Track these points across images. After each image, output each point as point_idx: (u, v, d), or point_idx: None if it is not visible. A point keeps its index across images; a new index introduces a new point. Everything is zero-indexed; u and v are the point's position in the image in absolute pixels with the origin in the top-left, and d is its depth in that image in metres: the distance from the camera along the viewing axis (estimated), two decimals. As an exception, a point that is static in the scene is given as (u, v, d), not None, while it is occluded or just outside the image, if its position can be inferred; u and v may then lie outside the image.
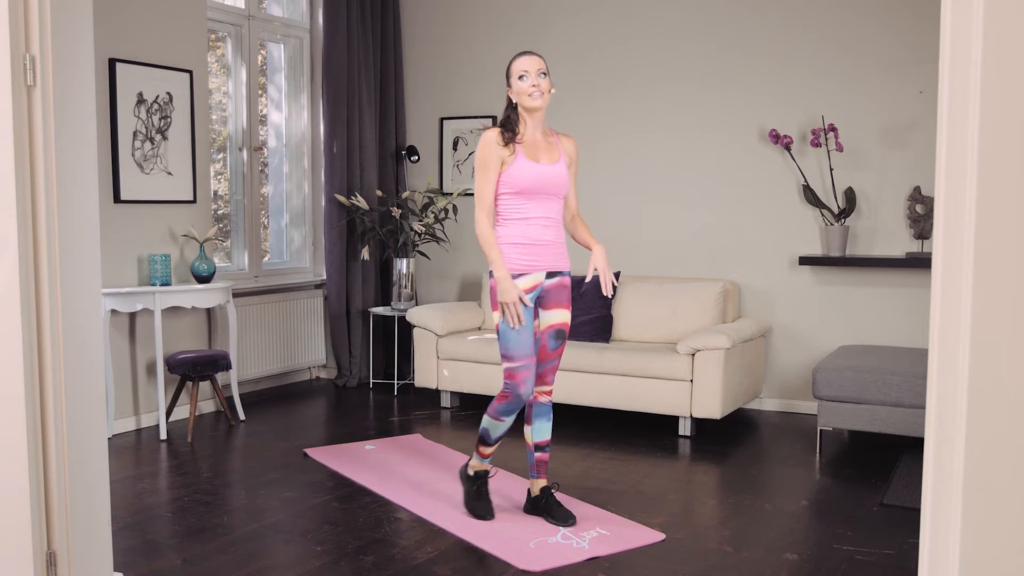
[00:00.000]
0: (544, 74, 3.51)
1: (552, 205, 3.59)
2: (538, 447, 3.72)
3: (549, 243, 3.58)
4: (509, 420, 3.62)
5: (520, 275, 3.54)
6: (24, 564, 2.45)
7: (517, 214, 3.55)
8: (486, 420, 3.66)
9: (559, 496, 3.85)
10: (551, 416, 3.74)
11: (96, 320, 2.62)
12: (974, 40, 1.77)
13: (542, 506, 3.73)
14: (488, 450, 3.72)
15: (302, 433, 5.19)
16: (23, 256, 2.40)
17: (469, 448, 4.78)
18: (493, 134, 3.53)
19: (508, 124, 3.55)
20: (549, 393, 3.70)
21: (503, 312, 3.49)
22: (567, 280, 3.66)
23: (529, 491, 3.82)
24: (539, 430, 3.71)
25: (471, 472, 3.80)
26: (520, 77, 3.50)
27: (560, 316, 3.63)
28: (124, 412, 5.12)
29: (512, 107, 3.57)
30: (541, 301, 3.63)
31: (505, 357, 3.54)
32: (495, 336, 5.60)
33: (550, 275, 3.61)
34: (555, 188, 3.57)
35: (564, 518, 3.66)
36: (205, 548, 3.40)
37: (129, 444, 4.90)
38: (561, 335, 3.65)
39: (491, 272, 3.56)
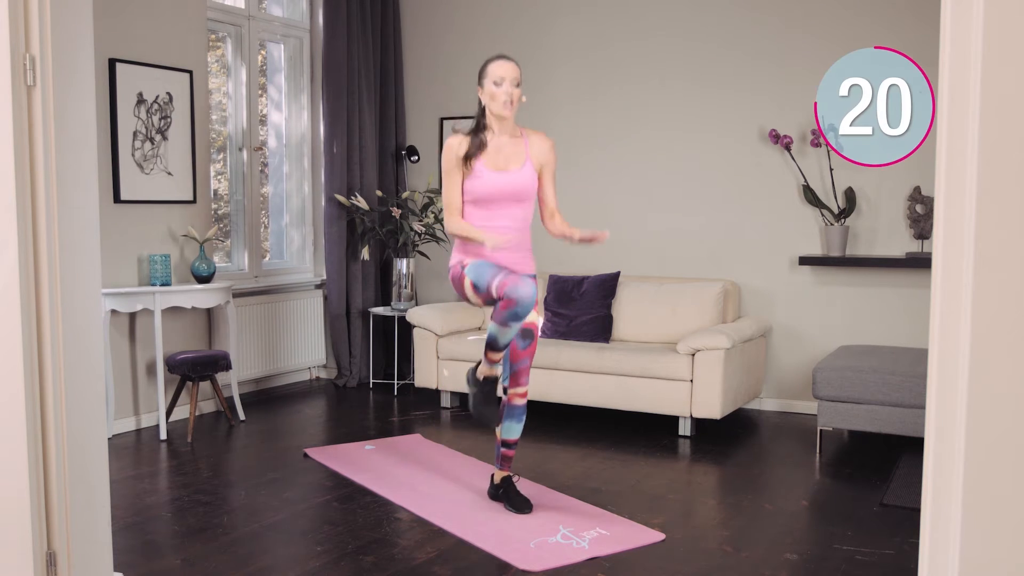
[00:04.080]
0: (518, 84, 3.58)
1: (516, 211, 3.64)
2: (505, 443, 3.87)
3: (510, 249, 3.60)
4: (516, 326, 3.48)
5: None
6: (24, 564, 2.45)
7: (476, 222, 3.63)
8: (493, 327, 3.52)
9: (520, 486, 3.99)
10: (523, 418, 3.84)
11: (96, 320, 2.62)
12: (974, 40, 1.77)
13: (501, 494, 3.91)
14: (497, 355, 3.64)
15: (302, 433, 5.19)
16: (23, 256, 2.40)
17: (469, 448, 4.78)
18: (454, 140, 3.61)
19: (478, 129, 3.62)
20: (524, 395, 3.80)
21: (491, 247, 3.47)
22: (532, 282, 3.61)
23: (492, 478, 3.99)
24: (508, 429, 3.84)
25: (480, 376, 3.71)
26: (496, 83, 3.56)
27: (528, 316, 3.62)
28: (124, 412, 5.12)
29: (482, 110, 3.63)
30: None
31: (488, 286, 3.47)
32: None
33: None
34: (517, 195, 3.62)
35: (520, 506, 3.81)
36: (205, 548, 3.40)
37: (129, 444, 4.90)
38: (529, 334, 3.73)
39: (450, 266, 3.69)
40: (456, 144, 3.60)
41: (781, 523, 3.73)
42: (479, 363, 3.77)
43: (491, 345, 3.63)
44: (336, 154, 6.22)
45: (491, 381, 3.72)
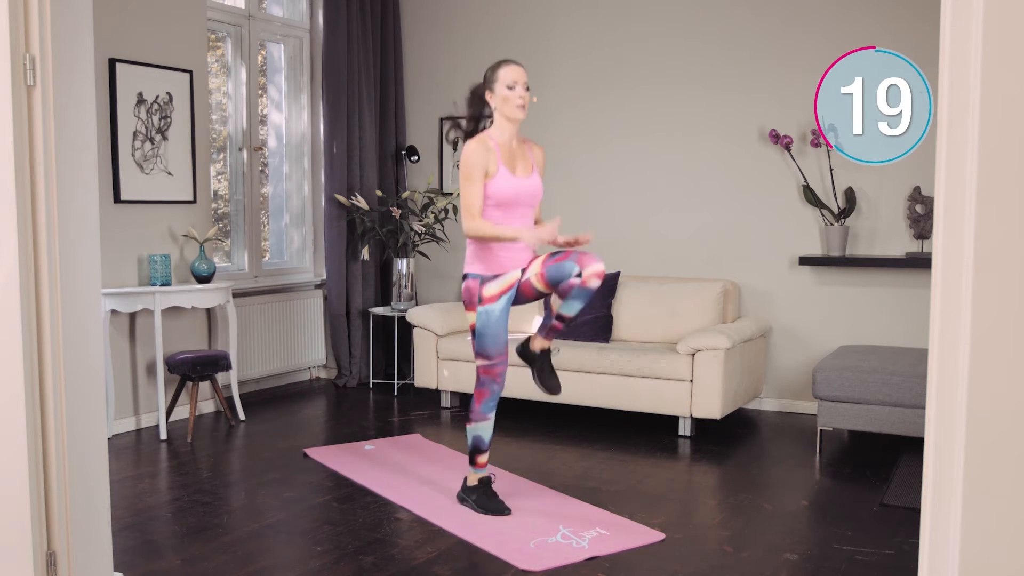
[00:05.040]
0: (527, 87, 3.65)
1: (526, 215, 3.74)
2: (560, 317, 3.62)
3: (522, 247, 3.68)
4: (493, 416, 3.76)
5: (498, 275, 3.65)
6: (24, 564, 2.45)
7: (493, 222, 3.66)
8: (473, 427, 3.76)
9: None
10: (589, 299, 3.52)
11: (96, 320, 2.62)
12: (974, 40, 1.77)
13: (535, 365, 3.81)
14: (484, 458, 3.80)
15: (302, 433, 5.19)
16: (23, 256, 2.40)
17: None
18: (474, 143, 3.63)
19: (479, 120, 3.71)
20: (600, 274, 3.43)
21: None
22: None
23: (529, 341, 3.82)
24: (570, 306, 3.54)
25: (472, 484, 3.83)
26: (510, 87, 3.61)
27: (538, 259, 3.62)
28: (124, 412, 5.12)
29: (481, 105, 3.69)
30: (519, 289, 3.67)
31: (481, 355, 3.68)
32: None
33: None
34: (532, 200, 3.73)
35: (550, 385, 3.79)
36: (205, 548, 3.40)
37: (129, 444, 4.90)
38: (556, 254, 3.55)
39: (465, 275, 3.71)
40: (478, 148, 3.60)
41: (781, 523, 3.73)
42: (466, 478, 3.87)
43: (476, 449, 3.79)
44: (336, 154, 6.22)
45: (485, 481, 3.82)
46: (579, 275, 3.45)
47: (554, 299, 3.66)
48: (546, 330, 3.75)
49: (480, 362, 3.68)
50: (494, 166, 3.61)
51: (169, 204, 5.32)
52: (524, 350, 3.84)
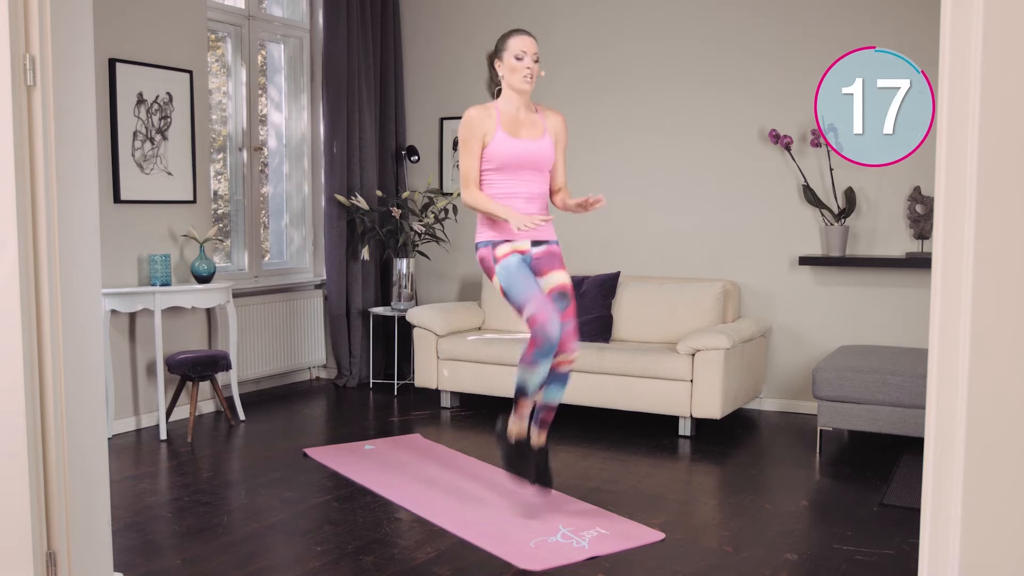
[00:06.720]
0: (537, 59, 3.61)
1: (536, 180, 3.68)
2: (546, 408, 3.68)
3: (532, 214, 3.64)
4: (546, 364, 3.53)
5: (505, 241, 3.63)
6: (24, 564, 2.45)
7: (499, 189, 3.64)
8: (522, 371, 3.56)
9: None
10: (567, 383, 3.63)
11: (96, 320, 2.62)
12: (974, 40, 1.77)
13: (532, 462, 3.74)
14: (528, 403, 3.65)
15: (302, 433, 5.19)
16: (23, 256, 2.40)
17: (469, 448, 4.78)
18: (474, 110, 3.63)
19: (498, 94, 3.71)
20: (571, 361, 3.58)
21: (523, 227, 3.47)
22: (555, 248, 3.72)
23: (529, 437, 3.76)
24: (551, 394, 3.64)
25: (512, 440, 3.73)
26: (518, 57, 3.59)
27: (558, 278, 3.63)
28: (124, 412, 5.12)
29: (497, 79, 3.69)
30: (534, 268, 3.67)
31: (519, 307, 3.54)
32: (495, 336, 5.61)
33: (535, 244, 3.69)
34: (537, 163, 3.66)
35: (545, 482, 3.73)
36: (205, 548, 3.40)
37: (129, 444, 4.90)
38: (564, 295, 3.60)
39: (476, 245, 3.69)
40: (477, 115, 3.61)
41: (781, 523, 3.73)
42: (508, 419, 3.75)
43: (521, 391, 3.61)
44: (336, 154, 6.22)
45: (523, 443, 3.71)
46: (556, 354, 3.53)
47: (538, 394, 3.65)
48: (539, 423, 3.73)
49: (524, 314, 3.53)
50: (492, 131, 3.59)
51: (169, 204, 5.32)
52: (500, 433, 3.77)
